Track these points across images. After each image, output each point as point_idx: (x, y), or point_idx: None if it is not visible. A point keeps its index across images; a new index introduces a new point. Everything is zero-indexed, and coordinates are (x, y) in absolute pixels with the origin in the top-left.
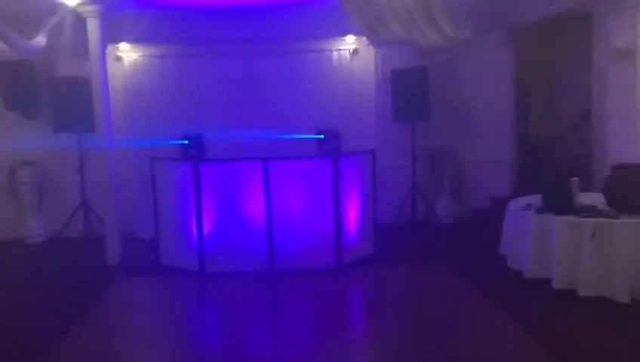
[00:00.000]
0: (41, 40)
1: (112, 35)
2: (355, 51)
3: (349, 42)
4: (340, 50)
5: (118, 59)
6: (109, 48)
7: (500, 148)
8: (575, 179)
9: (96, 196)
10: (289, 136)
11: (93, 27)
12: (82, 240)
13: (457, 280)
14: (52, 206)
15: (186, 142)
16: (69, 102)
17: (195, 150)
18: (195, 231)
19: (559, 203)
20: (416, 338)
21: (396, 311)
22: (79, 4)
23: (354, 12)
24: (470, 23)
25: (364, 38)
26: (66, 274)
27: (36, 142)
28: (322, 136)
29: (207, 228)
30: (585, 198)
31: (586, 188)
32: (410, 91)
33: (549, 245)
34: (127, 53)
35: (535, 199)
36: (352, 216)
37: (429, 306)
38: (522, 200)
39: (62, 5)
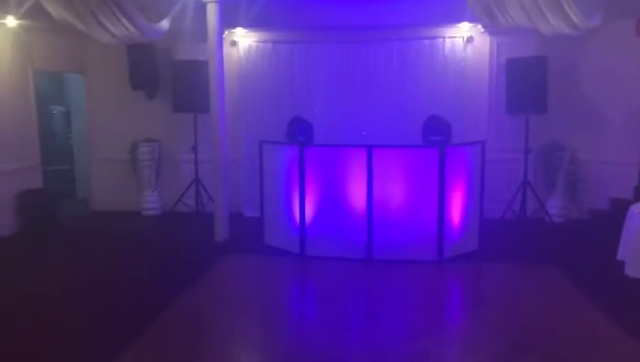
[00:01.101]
0: (165, 24)
1: (229, 20)
2: (470, 39)
3: (464, 30)
4: (453, 37)
5: (234, 43)
6: (226, 33)
7: (624, 146)
8: None
9: (208, 174)
10: (396, 124)
11: (212, 12)
12: (193, 216)
13: (567, 284)
14: (168, 182)
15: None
16: (188, 83)
17: (302, 135)
18: (297, 214)
19: None
20: (515, 343)
21: (495, 312)
22: None
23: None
24: (599, 9)
25: (479, 26)
26: (176, 247)
27: (156, 121)
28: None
29: (309, 212)
30: None
31: None
32: (526, 82)
33: None
34: (243, 38)
35: None
36: (456, 209)
37: (532, 310)
38: None
39: None
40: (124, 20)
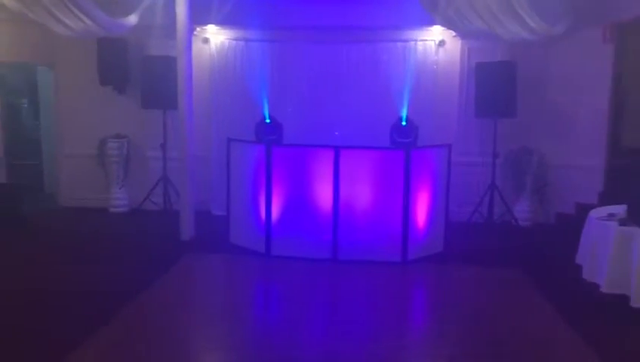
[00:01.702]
0: (132, 19)
1: (201, 17)
2: (441, 43)
3: (436, 33)
4: (425, 40)
5: (206, 40)
6: (198, 30)
7: (590, 151)
8: None
9: (177, 172)
10: (365, 126)
11: (181, 7)
12: (160, 214)
13: (527, 287)
14: (136, 179)
15: (267, 121)
16: (157, 79)
17: (271, 134)
18: (263, 213)
19: None
20: (473, 344)
21: (456, 313)
22: None
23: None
24: (566, 18)
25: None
26: (140, 245)
27: (126, 116)
28: (399, 127)
29: (275, 212)
30: None
31: None
32: (495, 86)
33: (630, 260)
34: (215, 35)
35: (619, 209)
36: (421, 211)
37: (491, 313)
38: (605, 209)
39: None
40: (79, 14)
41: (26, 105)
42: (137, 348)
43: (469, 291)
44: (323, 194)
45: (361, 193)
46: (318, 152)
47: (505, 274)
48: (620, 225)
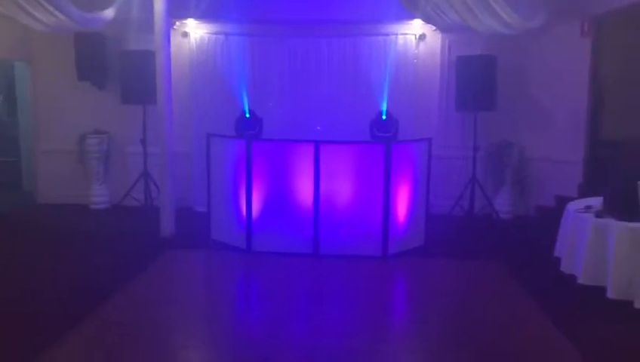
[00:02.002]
0: (109, 13)
1: (180, 10)
2: (422, 36)
3: (416, 27)
4: (406, 34)
5: (185, 35)
6: (177, 24)
7: (570, 145)
8: None
9: (158, 167)
10: (346, 120)
11: (159, 1)
12: (141, 210)
13: (507, 280)
14: (116, 175)
15: (247, 115)
16: (136, 74)
17: (251, 129)
18: (244, 209)
19: (622, 207)
20: (454, 335)
21: (437, 306)
22: None
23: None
24: (541, 12)
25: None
26: (120, 242)
27: (105, 112)
28: (379, 122)
29: (256, 207)
30: None
31: None
32: (475, 80)
33: (606, 252)
34: (195, 29)
35: (596, 201)
36: (402, 205)
37: (472, 304)
38: (582, 202)
39: None
40: (50, 8)
41: (2, 102)
42: (116, 346)
43: (450, 284)
44: (304, 188)
45: (341, 187)
46: (298, 147)
47: (485, 266)
48: (596, 217)
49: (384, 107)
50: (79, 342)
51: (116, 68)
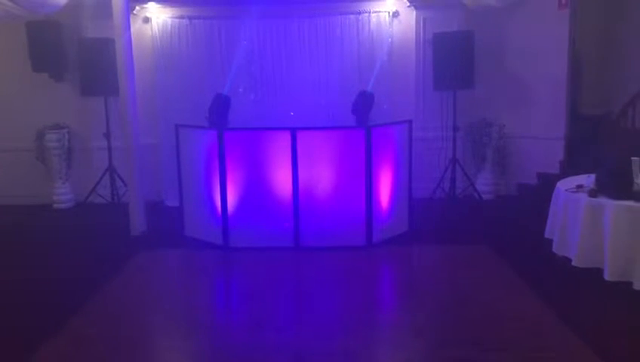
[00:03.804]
0: None
1: None
2: (395, 13)
3: (389, 4)
4: (379, 12)
5: (147, 20)
6: (138, 9)
7: (550, 121)
8: (636, 159)
9: (124, 162)
10: (321, 103)
11: None
12: (108, 207)
13: (497, 262)
14: (80, 171)
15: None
16: (96, 64)
17: (222, 116)
18: (219, 202)
19: (616, 185)
20: (447, 328)
21: (425, 294)
22: None
23: None
24: None
25: None
26: (87, 243)
27: (64, 105)
28: (356, 103)
29: (231, 201)
30: None
31: None
32: (453, 57)
33: (602, 232)
34: (156, 14)
35: (587, 180)
36: (385, 191)
37: (461, 295)
38: (572, 180)
39: None
40: None
41: None
42: (92, 354)
43: (438, 271)
44: (281, 178)
45: (321, 176)
46: (273, 135)
47: (473, 251)
48: (590, 196)
49: (360, 89)
50: (50, 358)
51: (74, 57)
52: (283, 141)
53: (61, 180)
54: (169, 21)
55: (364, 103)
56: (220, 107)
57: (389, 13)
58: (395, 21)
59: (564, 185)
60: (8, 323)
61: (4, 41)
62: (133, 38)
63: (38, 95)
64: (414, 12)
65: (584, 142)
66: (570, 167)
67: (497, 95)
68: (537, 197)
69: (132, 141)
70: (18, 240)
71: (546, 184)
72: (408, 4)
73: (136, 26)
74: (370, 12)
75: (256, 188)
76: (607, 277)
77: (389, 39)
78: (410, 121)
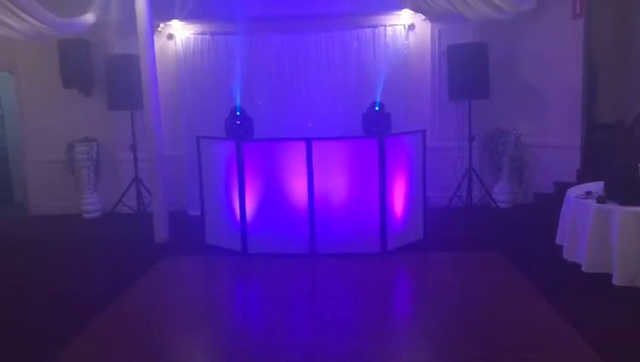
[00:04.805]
0: (88, 17)
1: (164, 12)
2: (411, 27)
3: (405, 17)
4: (395, 25)
5: (171, 37)
6: (162, 26)
7: (566, 129)
8: None
9: (149, 173)
10: (338, 115)
11: (140, 3)
12: (134, 217)
13: (508, 269)
14: (107, 182)
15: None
16: (122, 79)
17: (241, 129)
18: (238, 211)
19: (624, 191)
20: (459, 330)
21: (440, 302)
22: None
23: None
24: None
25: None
26: (113, 250)
27: (93, 119)
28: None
29: (250, 209)
30: None
31: None
32: (467, 68)
33: (610, 238)
34: (180, 30)
35: (597, 186)
36: (399, 199)
37: (476, 298)
38: (583, 187)
39: None
40: (24, 16)
41: None
42: (114, 358)
43: (451, 278)
44: (297, 187)
45: (336, 184)
46: (289, 145)
47: (484, 257)
48: (598, 202)
49: (377, 100)
50: (78, 356)
51: (102, 73)
52: (299, 151)
53: (89, 191)
54: (192, 37)
55: (380, 121)
56: (238, 122)
57: (404, 26)
58: (411, 34)
59: (574, 191)
60: (41, 321)
61: (37, 59)
62: (157, 55)
63: (69, 109)
64: (429, 25)
65: (601, 150)
66: (587, 176)
67: (513, 104)
68: (554, 206)
69: (156, 152)
70: (50, 249)
71: (563, 193)
72: (424, 17)
73: (160, 42)
74: (386, 25)
75: (274, 196)
76: (616, 282)
77: (405, 51)
78: (424, 131)
